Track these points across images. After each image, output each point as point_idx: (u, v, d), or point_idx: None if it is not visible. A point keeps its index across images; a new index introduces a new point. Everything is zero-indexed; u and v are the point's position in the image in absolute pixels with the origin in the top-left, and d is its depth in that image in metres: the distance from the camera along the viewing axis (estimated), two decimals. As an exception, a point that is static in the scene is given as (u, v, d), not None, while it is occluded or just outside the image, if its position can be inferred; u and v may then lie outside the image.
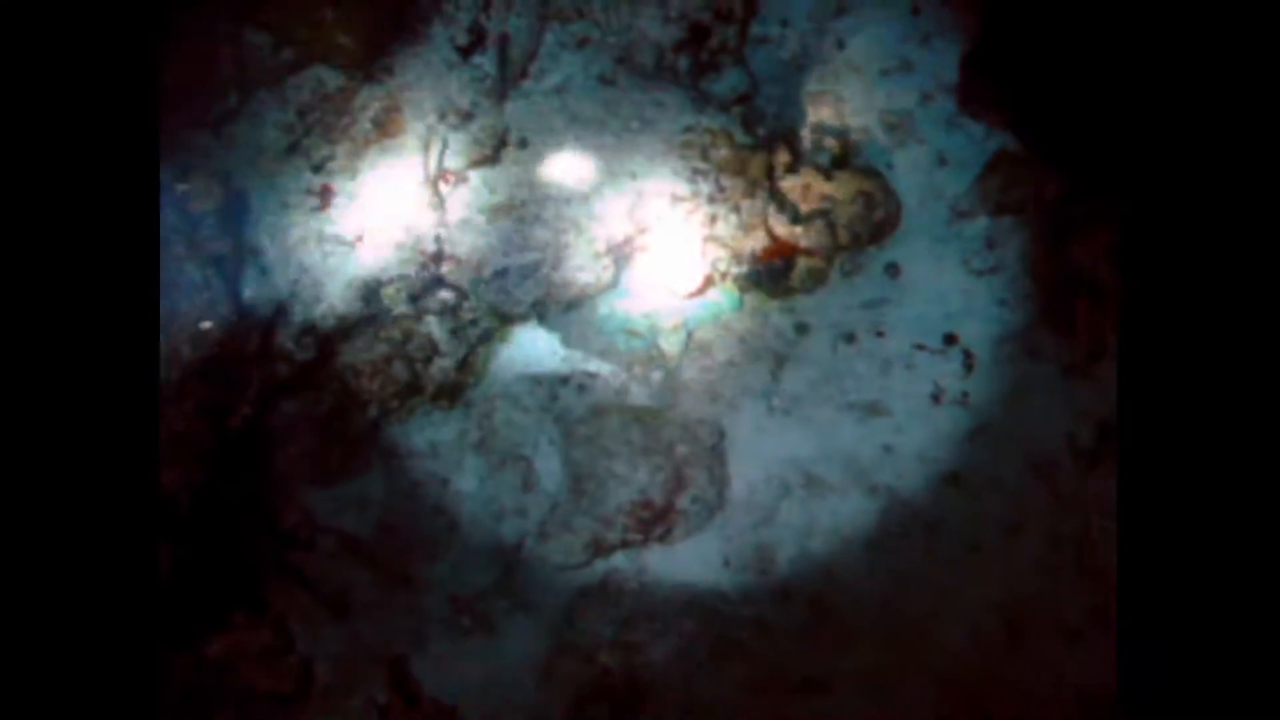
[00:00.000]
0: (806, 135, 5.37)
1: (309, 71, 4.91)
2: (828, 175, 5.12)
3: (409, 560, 4.64)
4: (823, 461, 4.57)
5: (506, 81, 4.81)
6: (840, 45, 5.78)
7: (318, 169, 4.79)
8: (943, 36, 5.90)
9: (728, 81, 5.23)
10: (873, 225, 5.08)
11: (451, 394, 4.87)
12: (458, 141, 4.67)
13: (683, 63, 5.24)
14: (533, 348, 5.03)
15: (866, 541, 4.32)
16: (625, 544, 4.27)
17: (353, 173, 4.77)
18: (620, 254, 4.55)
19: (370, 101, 4.86)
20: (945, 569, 4.18)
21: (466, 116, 4.78)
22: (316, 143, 4.86)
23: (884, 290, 5.12)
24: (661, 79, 5.02)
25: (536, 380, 4.92)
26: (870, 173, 5.24)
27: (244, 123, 4.78)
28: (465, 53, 5.06)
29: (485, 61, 4.98)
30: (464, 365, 4.86)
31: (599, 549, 4.22)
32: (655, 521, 4.20)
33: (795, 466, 4.59)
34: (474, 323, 4.76)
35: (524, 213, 4.36)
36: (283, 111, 4.81)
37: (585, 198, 4.42)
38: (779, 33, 5.75)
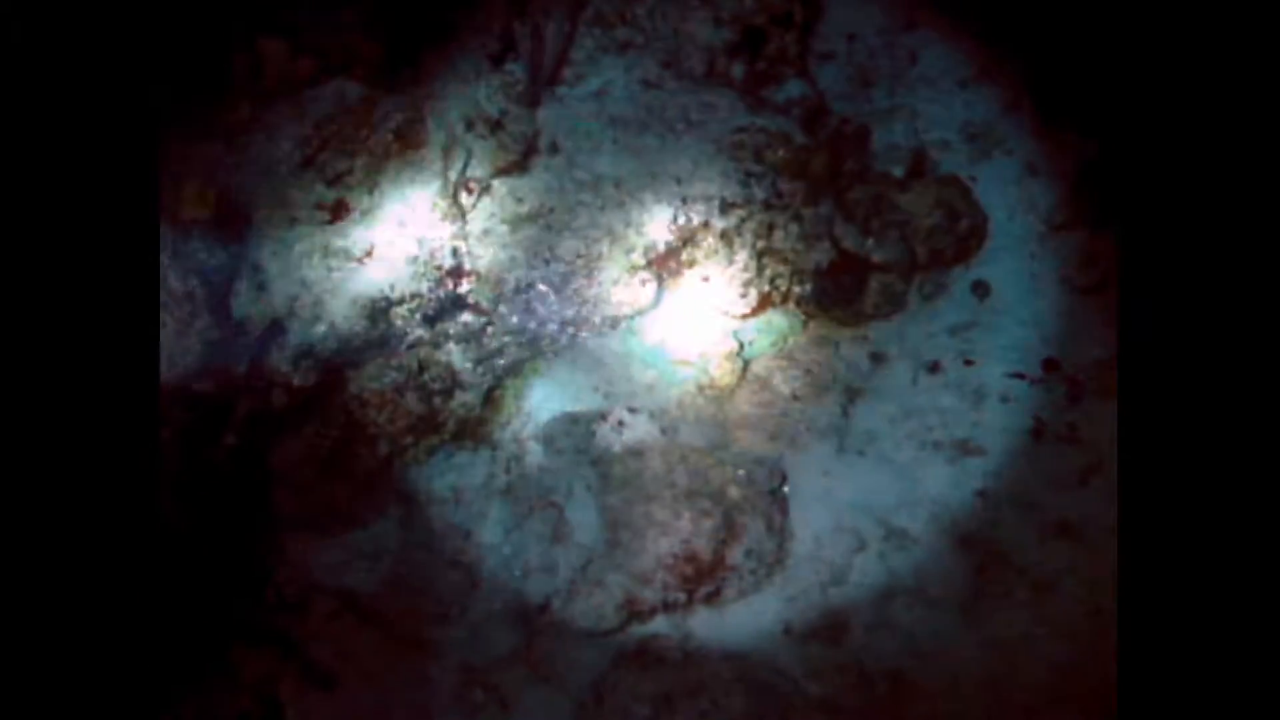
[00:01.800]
0: (877, 147, 4.78)
1: (330, 84, 4.52)
2: (902, 186, 4.49)
3: (420, 622, 4.02)
4: (904, 509, 3.85)
5: (538, 84, 4.34)
6: (913, 59, 5.26)
7: (332, 183, 4.37)
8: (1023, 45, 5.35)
9: (788, 92, 4.68)
10: (956, 239, 4.41)
11: (476, 432, 4.30)
12: (483, 149, 4.20)
13: (737, 70, 4.72)
14: (569, 380, 4.46)
15: (959, 605, 3.54)
16: (666, 605, 3.59)
17: (370, 187, 4.34)
18: (663, 268, 3.96)
19: (393, 112, 4.44)
20: (1059, 638, 3.38)
21: (495, 124, 4.32)
22: (334, 156, 4.44)
23: (971, 313, 4.45)
24: (712, 84, 4.49)
25: (573, 419, 4.32)
26: (950, 182, 4.60)
27: (259, 134, 4.39)
28: (496, 60, 4.64)
29: (517, 68, 4.54)
30: (489, 400, 4.30)
31: (634, 611, 3.54)
32: (701, 579, 3.51)
33: (871, 515, 3.87)
34: (500, 351, 4.20)
35: (552, 221, 3.83)
36: (299, 124, 4.41)
37: (622, 204, 3.88)
38: (844, 47, 5.23)
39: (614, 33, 4.65)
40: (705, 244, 3.90)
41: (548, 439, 4.34)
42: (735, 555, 3.61)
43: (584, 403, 4.44)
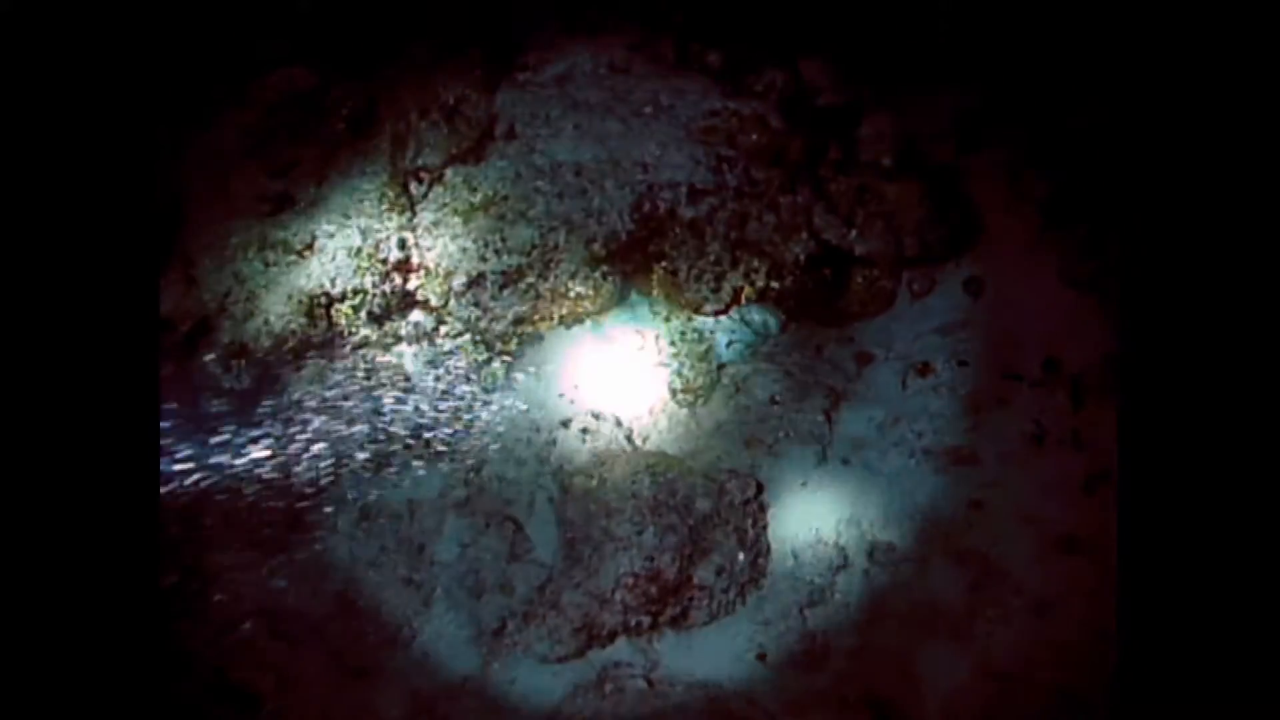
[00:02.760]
0: (863, 136, 4.47)
1: (279, 72, 4.23)
2: (889, 175, 4.17)
3: (366, 645, 3.66)
4: (892, 522, 3.51)
5: (498, 69, 4.05)
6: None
7: (278, 174, 4.06)
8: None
9: (768, 81, 4.37)
10: (947, 231, 4.09)
11: (431, 441, 3.96)
12: (436, 136, 3.89)
13: (714, 58, 4.42)
14: (532, 385, 4.13)
15: (953, 628, 3.18)
16: (628, 629, 3.23)
17: (318, 178, 4.04)
18: (627, 260, 3.64)
19: (345, 99, 4.15)
20: (1062, 664, 3.02)
21: (452, 110, 4.02)
22: (281, 146, 4.14)
23: (964, 310, 4.12)
24: (686, 69, 4.19)
25: (536, 426, 3.99)
26: (940, 172, 4.28)
27: (201, 123, 4.10)
28: (456, 47, 4.35)
29: (478, 54, 4.25)
30: (446, 405, 3.95)
31: (594, 635, 3.18)
32: (666, 599, 3.16)
33: (855, 529, 3.53)
34: (451, 354, 3.87)
35: (505, 210, 3.51)
36: (244, 113, 4.11)
37: (582, 192, 3.56)
38: (830, 39, 4.93)
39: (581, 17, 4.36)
40: (672, 234, 3.58)
41: (508, 448, 4.01)
42: (704, 573, 3.26)
43: (548, 409, 4.11)
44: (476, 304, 3.53)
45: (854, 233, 3.94)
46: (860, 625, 3.26)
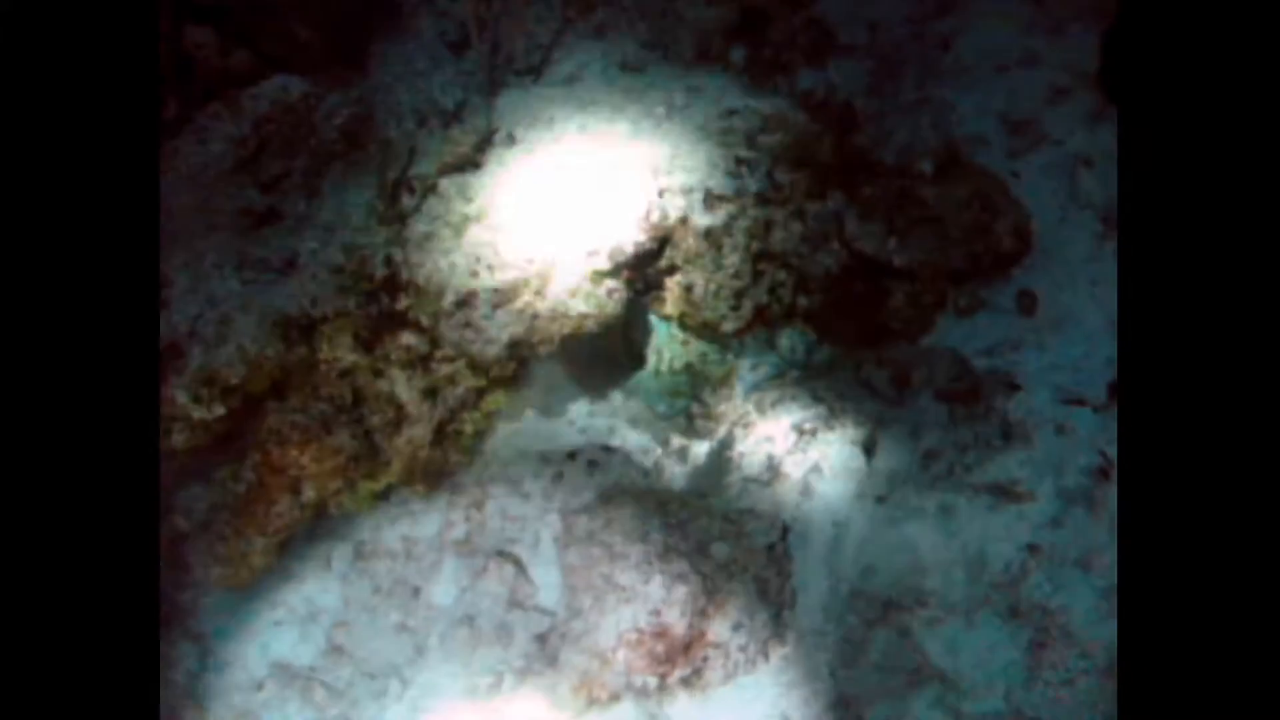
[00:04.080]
0: (899, 137, 4.08)
1: (272, 81, 3.98)
2: (931, 180, 3.77)
3: (353, 697, 3.34)
4: (935, 569, 3.09)
5: (497, 71, 3.74)
6: (945, 47, 4.59)
7: (267, 188, 3.79)
8: (1079, 20, 4.66)
9: (801, 85, 4.01)
10: (996, 240, 3.67)
11: (429, 474, 3.64)
12: (431, 143, 3.59)
13: (737, 55, 4.08)
14: (540, 414, 3.80)
15: (1006, 694, 2.74)
16: (633, 690, 2.83)
17: (309, 191, 3.75)
18: (635, 275, 3.28)
19: (339, 109, 3.88)
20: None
21: (451, 118, 3.72)
22: (271, 158, 3.88)
23: (1016, 329, 3.69)
24: (704, 66, 3.85)
25: (544, 458, 3.66)
26: (988, 174, 3.87)
27: (187, 135, 3.85)
28: (457, 49, 4.06)
29: (480, 56, 3.95)
30: (442, 436, 3.63)
31: (593, 698, 2.79)
32: (674, 658, 2.77)
33: (894, 577, 3.11)
34: (451, 379, 3.53)
35: (498, 221, 3.17)
36: (235, 125, 3.85)
37: (586, 201, 3.21)
38: (866, 38, 4.58)
39: (592, 16, 4.04)
40: (685, 245, 3.21)
41: (513, 482, 3.67)
42: (719, 629, 2.87)
43: (558, 440, 3.77)
44: (468, 325, 3.19)
45: (892, 242, 3.53)
46: (898, 689, 2.82)
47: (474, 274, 3.18)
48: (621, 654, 2.83)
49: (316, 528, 3.72)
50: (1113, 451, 3.22)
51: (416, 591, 3.61)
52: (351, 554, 3.70)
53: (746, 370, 3.71)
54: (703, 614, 2.85)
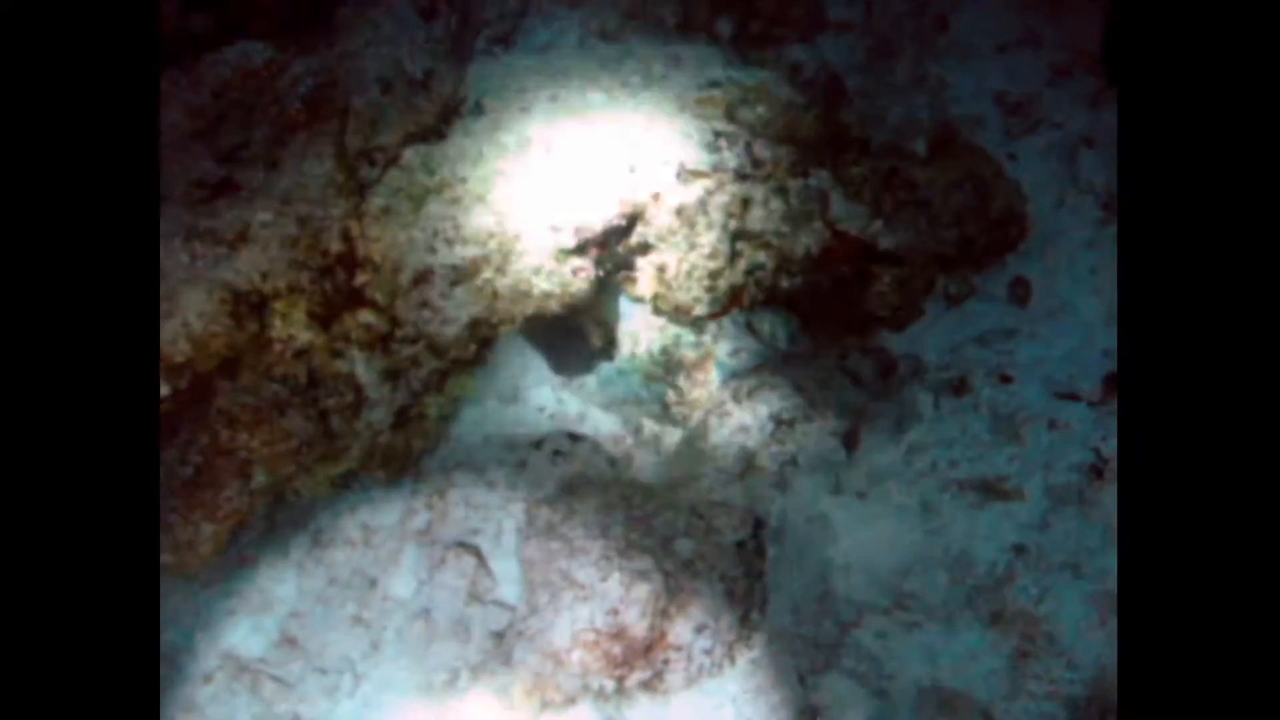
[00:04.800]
0: (896, 122, 3.90)
1: (235, 47, 3.79)
2: (922, 161, 3.58)
3: (303, 692, 3.17)
4: (916, 570, 2.92)
5: (468, 38, 3.54)
6: (943, 25, 4.41)
7: (225, 158, 3.60)
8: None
9: (790, 59, 3.82)
10: (990, 224, 3.48)
11: (390, 460, 3.46)
12: (395, 112, 3.40)
13: (724, 27, 3.88)
14: (508, 397, 3.63)
15: (986, 707, 2.56)
16: (590, 693, 2.65)
17: (269, 161, 3.55)
18: (609, 252, 3.09)
19: (303, 77, 3.68)
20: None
21: (420, 86, 3.52)
22: (230, 128, 3.69)
23: (1010, 318, 3.50)
24: (687, 37, 3.64)
25: (511, 444, 3.49)
26: (983, 156, 3.67)
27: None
28: (426, 15, 3.86)
29: (450, 22, 3.75)
30: (405, 421, 3.45)
31: (546, 700, 2.61)
32: (632, 661, 2.59)
33: (874, 578, 2.92)
34: (414, 361, 3.35)
35: (460, 194, 2.98)
36: (194, 93, 3.66)
37: (553, 173, 3.02)
38: (862, 15, 4.40)
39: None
40: (657, 222, 3.02)
41: (478, 469, 3.50)
42: (681, 631, 2.69)
43: (526, 425, 3.60)
44: (425, 303, 3.00)
45: (879, 224, 3.34)
46: (873, 699, 2.64)
47: (431, 250, 2.99)
48: (576, 655, 2.65)
49: (274, 513, 3.56)
50: (1107, 449, 3.03)
51: (374, 582, 3.45)
52: (309, 542, 3.54)
53: (725, 356, 3.52)
54: (664, 614, 2.67)
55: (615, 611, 2.66)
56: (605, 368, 3.64)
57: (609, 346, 3.57)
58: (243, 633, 3.44)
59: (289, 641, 3.42)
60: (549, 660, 2.69)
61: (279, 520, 3.58)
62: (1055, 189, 3.78)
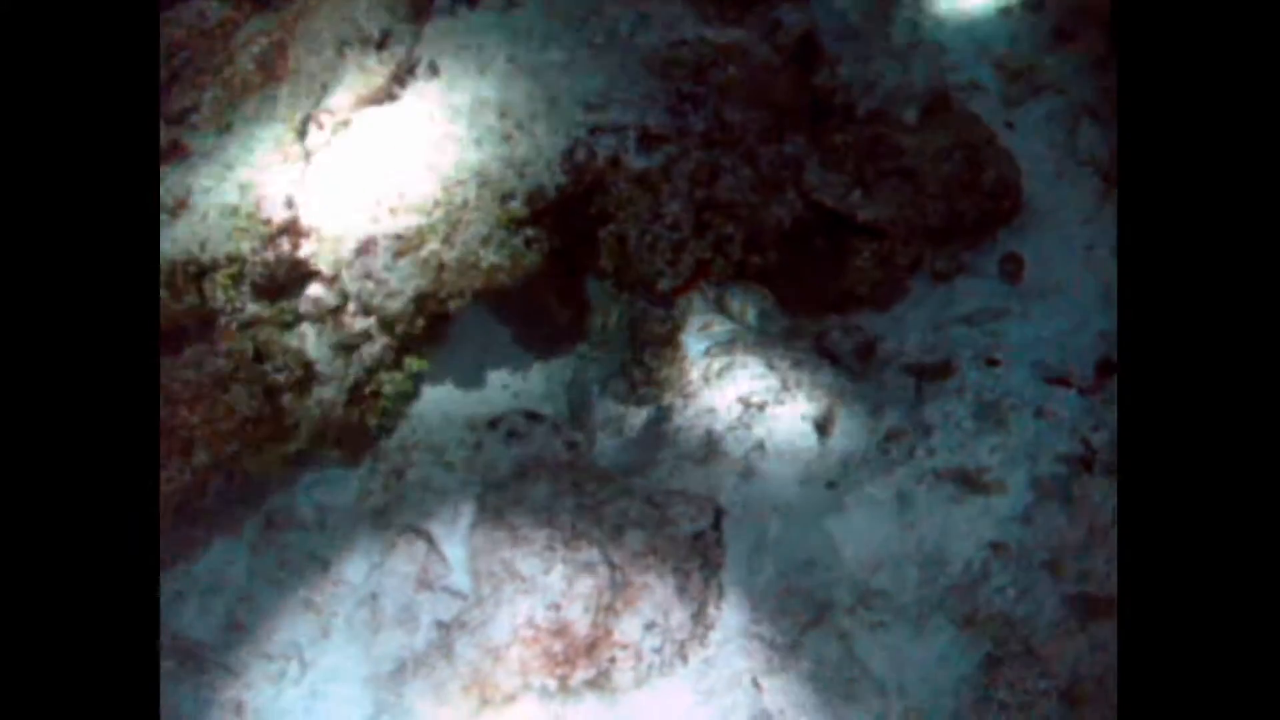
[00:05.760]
0: (889, 87, 3.66)
1: (187, 5, 3.63)
2: (910, 128, 3.34)
3: (249, 678, 3.05)
4: (885, 566, 2.72)
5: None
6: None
7: (174, 120, 3.44)
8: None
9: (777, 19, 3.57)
10: (981, 196, 3.24)
11: (344, 439, 3.31)
12: (347, 73, 3.20)
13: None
14: (472, 374, 3.47)
15: (955, 713, 2.37)
16: (533, 691, 2.49)
17: (219, 125, 3.39)
18: (560, 223, 2.89)
19: (257, 36, 3.50)
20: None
21: (377, 46, 3.33)
22: (181, 90, 3.52)
23: (999, 297, 3.28)
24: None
25: (471, 423, 3.33)
26: (976, 122, 3.43)
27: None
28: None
29: (413, -21, 3.54)
30: (360, 398, 3.29)
31: (485, 697, 2.45)
32: (575, 659, 2.42)
33: (839, 574, 2.74)
34: (367, 335, 3.18)
35: (405, 160, 2.79)
36: (145, 50, 3.47)
37: (507, 137, 2.82)
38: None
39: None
40: (616, 191, 2.81)
41: (437, 449, 3.34)
42: (628, 628, 2.51)
43: (488, 404, 3.44)
44: (368, 275, 2.83)
45: (858, 194, 3.11)
46: (830, 704, 2.46)
47: (374, 219, 2.81)
48: (516, 651, 2.48)
49: (228, 492, 3.43)
50: (1097, 440, 2.81)
51: (326, 565, 3.31)
52: (263, 522, 3.40)
53: (695, 334, 3.32)
54: (610, 610, 2.50)
55: (557, 606, 2.49)
56: (573, 345, 3.46)
57: (577, 322, 3.39)
58: (190, 615, 3.32)
59: (236, 626, 3.30)
60: (488, 656, 2.53)
61: (233, 499, 3.45)
62: (1054, 160, 3.55)
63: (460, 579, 3.05)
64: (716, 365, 3.24)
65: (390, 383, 3.39)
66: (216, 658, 3.25)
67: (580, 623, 2.49)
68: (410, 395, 3.48)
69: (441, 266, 2.80)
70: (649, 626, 2.55)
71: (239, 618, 3.30)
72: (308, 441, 3.30)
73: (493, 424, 3.25)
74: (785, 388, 3.16)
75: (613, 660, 2.55)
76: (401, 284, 2.84)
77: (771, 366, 3.22)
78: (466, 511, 3.19)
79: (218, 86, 3.52)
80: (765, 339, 3.33)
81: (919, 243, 3.31)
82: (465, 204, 2.79)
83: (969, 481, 2.89)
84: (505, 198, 2.79)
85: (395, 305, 2.85)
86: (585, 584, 2.51)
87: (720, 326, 3.35)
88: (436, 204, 2.80)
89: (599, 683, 2.60)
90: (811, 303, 3.34)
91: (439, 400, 3.53)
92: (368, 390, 3.38)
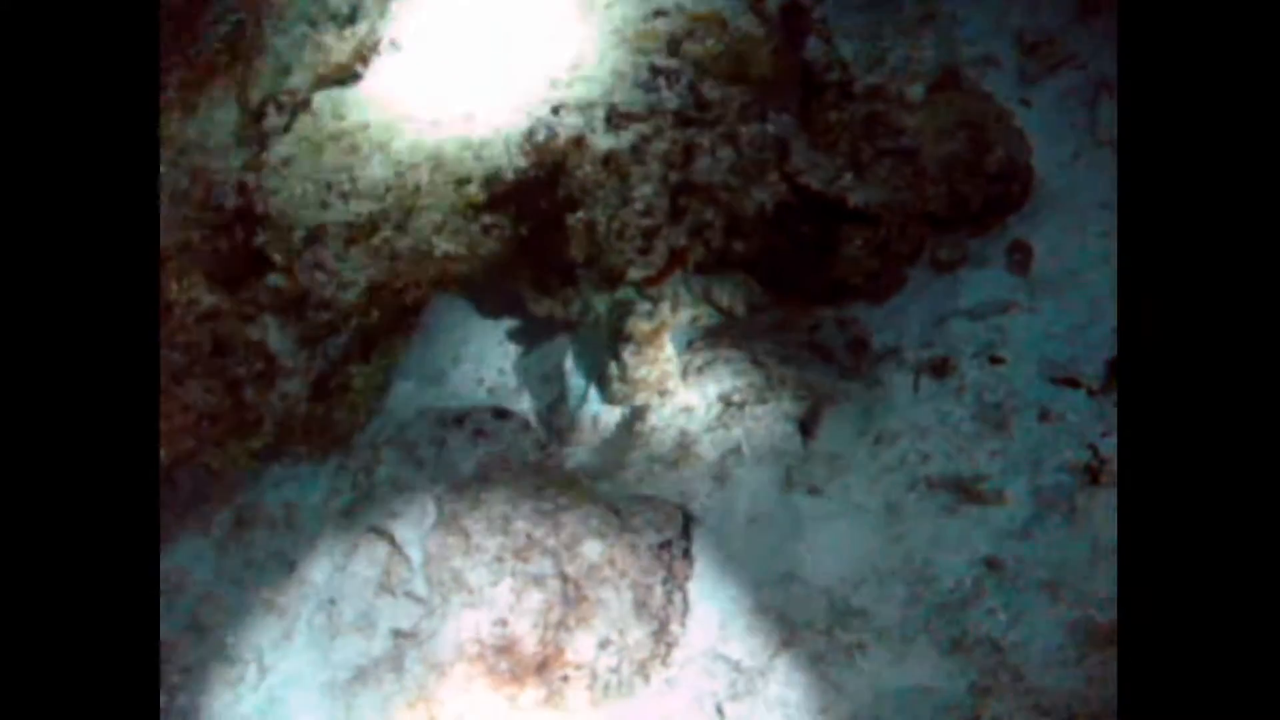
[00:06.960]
0: (895, 63, 3.41)
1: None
2: (913, 106, 3.09)
3: (207, 684, 2.94)
4: (869, 582, 2.50)
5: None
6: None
7: (136, 104, 3.29)
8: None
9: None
10: (987, 178, 2.99)
11: (312, 435, 3.18)
12: (308, 52, 3.04)
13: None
14: (445, 368, 3.33)
15: (935, 749, 2.16)
16: (479, 711, 2.32)
17: (183, 108, 3.24)
18: (522, 209, 2.70)
19: (223, 14, 3.35)
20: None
21: (346, 22, 3.17)
22: (148, 70, 3.38)
23: (1005, 288, 3.04)
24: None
25: (442, 419, 3.18)
26: (984, 99, 3.17)
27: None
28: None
29: (388, -50, 3.35)
30: (325, 392, 3.16)
31: (430, 714, 2.29)
32: (523, 678, 2.24)
33: (818, 591, 2.52)
34: (332, 327, 3.03)
35: (359, 142, 2.62)
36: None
37: (467, 117, 2.64)
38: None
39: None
40: (582, 173, 2.61)
41: (408, 446, 3.20)
42: (581, 646, 2.32)
43: (463, 399, 3.30)
44: (319, 265, 2.66)
45: (848, 177, 2.88)
46: (800, 733, 2.25)
47: (324, 205, 2.64)
48: (460, 669, 2.30)
49: (200, 488, 3.32)
50: (1105, 447, 2.56)
51: (292, 566, 3.19)
52: (233, 519, 3.29)
53: (678, 327, 3.12)
54: (560, 626, 2.31)
55: (504, 621, 2.31)
56: (551, 338, 3.29)
57: (554, 313, 3.21)
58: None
59: (198, 627, 3.19)
60: (433, 671, 2.36)
61: (202, 496, 3.34)
62: (1071, 140, 3.27)
63: (421, 585, 2.90)
64: (698, 360, 3.04)
65: (359, 375, 3.25)
66: (174, 659, 3.15)
67: (528, 639, 2.31)
68: (381, 389, 3.34)
69: (394, 255, 2.63)
70: (603, 644, 2.36)
71: (201, 618, 3.19)
72: (273, 437, 3.17)
73: (459, 420, 3.08)
74: (769, 385, 2.95)
75: (565, 679, 2.37)
76: (353, 274, 2.68)
77: (757, 362, 3.01)
78: (431, 513, 3.04)
79: (184, 67, 3.38)
80: (753, 332, 3.12)
81: (918, 229, 3.06)
82: (418, 189, 2.61)
83: (965, 490, 2.66)
84: (461, 182, 2.60)
85: (348, 296, 2.69)
86: (534, 598, 2.33)
87: (707, 320, 3.14)
88: (389, 189, 2.62)
89: (552, 702, 2.42)
90: (803, 293, 3.12)
91: (411, 394, 3.39)
92: (334, 384, 3.24)
